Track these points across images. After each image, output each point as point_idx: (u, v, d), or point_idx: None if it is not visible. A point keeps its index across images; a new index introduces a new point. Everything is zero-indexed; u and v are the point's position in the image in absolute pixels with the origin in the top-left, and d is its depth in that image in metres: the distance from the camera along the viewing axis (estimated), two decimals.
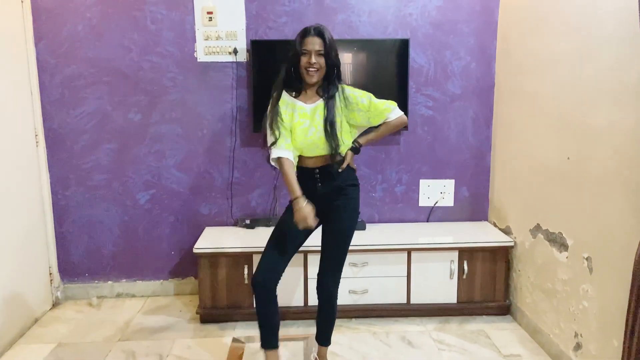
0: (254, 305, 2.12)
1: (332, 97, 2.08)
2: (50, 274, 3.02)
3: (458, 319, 2.84)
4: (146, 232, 3.11)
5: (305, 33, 2.03)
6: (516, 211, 2.83)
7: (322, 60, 2.03)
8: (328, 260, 2.17)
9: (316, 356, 2.29)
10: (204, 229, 3.07)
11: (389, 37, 2.99)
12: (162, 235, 3.12)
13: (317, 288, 2.19)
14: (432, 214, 3.20)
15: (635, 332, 1.67)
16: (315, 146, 2.07)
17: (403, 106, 2.97)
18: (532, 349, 2.52)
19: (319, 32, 2.01)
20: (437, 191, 3.17)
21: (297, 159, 2.10)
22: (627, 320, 1.71)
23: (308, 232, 2.14)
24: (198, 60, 2.95)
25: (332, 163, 2.09)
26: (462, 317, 2.85)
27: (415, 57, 3.02)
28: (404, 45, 2.93)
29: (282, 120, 2.06)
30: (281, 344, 2.23)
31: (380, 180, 3.15)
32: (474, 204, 3.20)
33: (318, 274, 2.19)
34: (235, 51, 2.93)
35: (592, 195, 2.09)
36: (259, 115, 2.91)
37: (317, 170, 2.11)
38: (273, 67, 2.87)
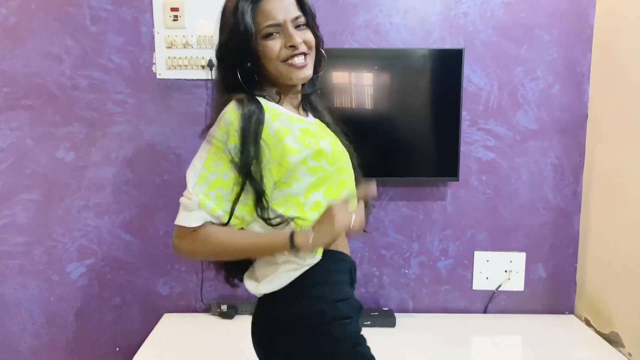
0: None
1: (328, 122, 1.25)
2: None
3: None
4: (80, 318, 2.18)
5: None
6: (630, 309, 1.83)
7: (307, 35, 1.12)
8: None
9: None
10: (161, 317, 2.14)
11: (433, 46, 2.07)
12: (102, 323, 2.19)
13: None
14: (493, 302, 2.21)
15: None
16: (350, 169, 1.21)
17: (453, 146, 2.05)
18: None
19: None
20: (500, 269, 2.19)
21: None
22: None
23: None
24: (158, 76, 2.07)
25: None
26: None
27: (471, 75, 2.09)
28: (455, 58, 2.01)
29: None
30: None
31: (416, 252, 2.19)
32: (554, 290, 2.20)
33: None
34: (210, 64, 2.04)
35: None
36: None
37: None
38: None
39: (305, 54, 1.10)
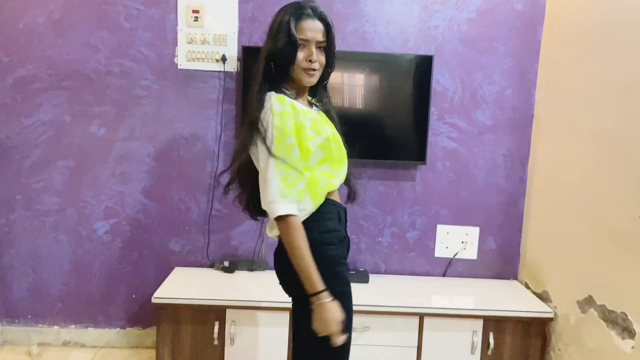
0: None
1: (329, 109, 1.60)
2: None
3: None
4: (103, 269, 2.57)
5: (300, 13, 1.41)
6: (558, 274, 2.27)
7: (322, 58, 1.47)
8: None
9: None
10: (173, 270, 2.53)
11: (409, 52, 2.49)
12: (122, 274, 2.58)
13: None
14: (451, 268, 2.64)
15: None
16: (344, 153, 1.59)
17: (422, 136, 2.46)
18: None
19: (321, 15, 1.44)
20: (457, 240, 2.62)
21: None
22: None
23: None
24: (179, 67, 2.47)
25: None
26: None
27: (440, 78, 2.51)
28: (426, 62, 2.43)
29: (309, 147, 1.43)
30: None
31: (389, 223, 2.61)
32: (501, 259, 2.64)
33: None
34: (223, 59, 2.44)
35: None
36: None
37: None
38: None
39: (314, 70, 1.46)
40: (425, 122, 2.47)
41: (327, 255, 1.43)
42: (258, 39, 2.45)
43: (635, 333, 1.72)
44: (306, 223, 1.42)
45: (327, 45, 1.47)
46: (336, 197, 1.57)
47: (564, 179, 2.24)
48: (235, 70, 2.46)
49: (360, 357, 2.23)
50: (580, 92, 2.13)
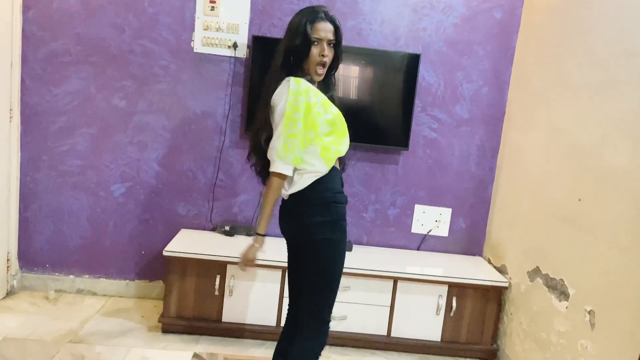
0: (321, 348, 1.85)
1: (332, 94, 1.90)
2: (7, 260, 2.79)
3: (439, 358, 2.62)
4: (117, 227, 2.88)
5: (315, 17, 1.72)
6: (514, 250, 2.63)
7: (332, 53, 1.78)
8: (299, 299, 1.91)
9: None
10: (179, 231, 2.86)
11: (400, 49, 2.81)
12: (133, 232, 2.89)
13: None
14: (424, 243, 2.99)
15: None
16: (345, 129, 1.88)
17: (406, 125, 2.80)
18: None
19: (332, 18, 1.75)
20: (432, 219, 2.97)
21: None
22: None
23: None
24: (194, 50, 2.77)
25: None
26: (444, 357, 2.63)
27: (425, 74, 2.84)
28: (414, 60, 2.76)
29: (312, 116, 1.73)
30: None
31: (373, 201, 2.95)
32: (469, 237, 3.00)
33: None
34: (235, 45, 2.75)
35: (603, 243, 1.89)
36: (253, 116, 2.72)
37: None
38: None
39: (325, 63, 1.77)
40: (410, 113, 2.79)
41: (338, 211, 1.76)
42: (266, 30, 2.76)
43: (569, 295, 2.08)
44: (320, 184, 1.74)
45: (336, 43, 1.78)
46: (337, 166, 1.89)
47: (525, 168, 2.59)
48: (245, 56, 2.77)
49: (341, 312, 2.58)
50: (541, 92, 2.48)
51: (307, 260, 1.79)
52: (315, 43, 1.73)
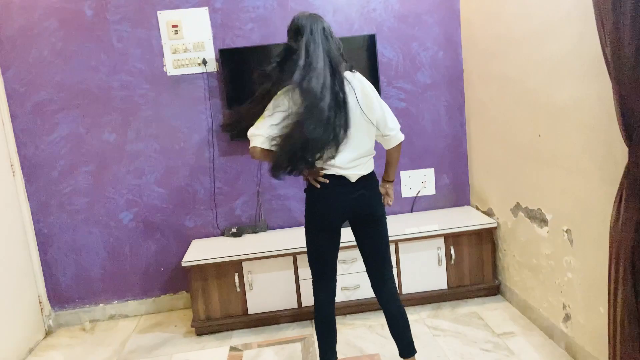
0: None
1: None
2: (40, 302, 2.99)
3: (450, 304, 2.88)
4: (133, 250, 3.09)
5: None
6: (496, 193, 2.88)
7: None
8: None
9: None
10: (191, 242, 3.07)
11: (356, 34, 3.02)
12: (149, 252, 3.10)
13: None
14: (416, 204, 3.24)
15: (618, 296, 1.72)
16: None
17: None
18: (525, 325, 2.57)
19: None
20: (418, 181, 3.21)
21: None
22: (609, 286, 1.76)
23: (338, 243, 2.11)
24: (168, 74, 2.95)
25: None
26: (454, 301, 2.89)
27: (384, 51, 3.05)
28: (371, 40, 2.97)
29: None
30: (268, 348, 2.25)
31: None
32: (455, 190, 3.25)
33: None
34: (204, 62, 2.94)
35: (565, 169, 2.14)
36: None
37: None
38: (244, 74, 2.90)
39: None
40: (378, 89, 3.01)
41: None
42: (230, 41, 2.95)
43: (547, 221, 2.34)
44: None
45: None
46: None
47: (490, 118, 2.83)
48: (216, 70, 2.96)
49: (354, 282, 2.82)
50: (489, 47, 2.71)
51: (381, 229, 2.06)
52: None
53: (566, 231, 2.19)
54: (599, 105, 1.86)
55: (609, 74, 1.63)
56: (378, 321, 2.76)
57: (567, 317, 2.26)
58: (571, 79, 2.03)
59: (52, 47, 2.86)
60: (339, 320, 2.77)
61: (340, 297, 2.79)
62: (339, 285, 2.74)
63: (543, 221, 2.38)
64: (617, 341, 1.75)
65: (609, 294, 1.77)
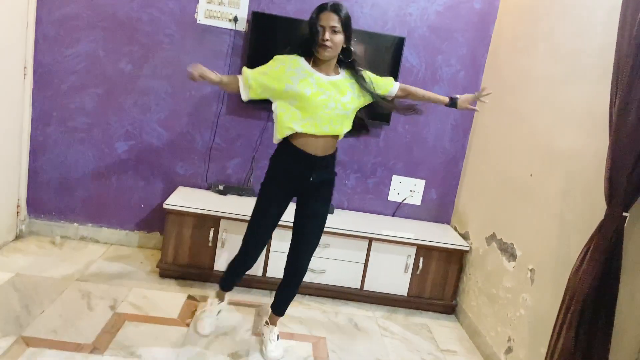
0: (234, 264, 2.35)
1: (359, 74, 2.16)
2: (17, 206, 3.04)
3: (405, 311, 2.97)
4: (119, 181, 3.14)
5: (321, 8, 2.02)
6: (477, 218, 2.97)
7: (336, 38, 2.00)
8: (307, 244, 2.25)
9: (267, 320, 2.39)
10: (177, 188, 3.12)
11: (387, 32, 3.07)
12: (134, 186, 3.16)
13: (291, 268, 2.28)
14: (399, 210, 3.32)
15: (559, 341, 1.81)
16: (330, 122, 2.08)
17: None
18: (468, 348, 2.67)
19: (335, 9, 2.00)
20: (407, 189, 3.29)
21: (289, 134, 2.08)
22: (553, 330, 1.85)
23: (282, 211, 2.22)
24: (197, 21, 2.99)
25: (333, 153, 2.19)
26: (410, 310, 2.99)
27: (409, 56, 3.11)
28: (399, 43, 3.01)
29: (272, 76, 2.06)
30: (233, 307, 2.34)
31: (355, 169, 3.24)
32: (439, 207, 3.33)
33: (292, 255, 2.27)
34: (235, 19, 2.97)
35: (545, 212, 2.22)
36: None
37: (316, 159, 2.11)
38: (270, 41, 2.94)
39: (330, 47, 1.99)
40: None
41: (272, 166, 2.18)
42: (265, 6, 2.99)
43: (516, 257, 2.42)
44: (276, 148, 2.16)
45: (343, 30, 2.02)
46: (305, 146, 2.10)
47: (491, 147, 2.90)
48: (244, 30, 3.00)
49: (321, 266, 2.91)
50: (509, 80, 2.77)
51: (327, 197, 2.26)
52: (321, 29, 1.99)
53: (530, 270, 2.28)
54: (593, 161, 1.93)
55: (609, 134, 1.71)
56: (333, 308, 2.85)
57: (509, 350, 2.36)
58: (575, 129, 2.11)
59: None
60: (297, 299, 2.85)
61: (305, 277, 2.87)
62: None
63: (512, 256, 2.46)
64: None
65: (551, 336, 1.86)
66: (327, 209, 2.27)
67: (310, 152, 2.10)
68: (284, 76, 2.06)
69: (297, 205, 2.26)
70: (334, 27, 2.00)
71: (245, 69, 2.14)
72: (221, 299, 2.49)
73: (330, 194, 2.27)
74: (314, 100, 2.04)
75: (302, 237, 2.25)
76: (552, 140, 2.26)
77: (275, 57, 2.12)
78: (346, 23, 2.03)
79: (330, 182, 2.25)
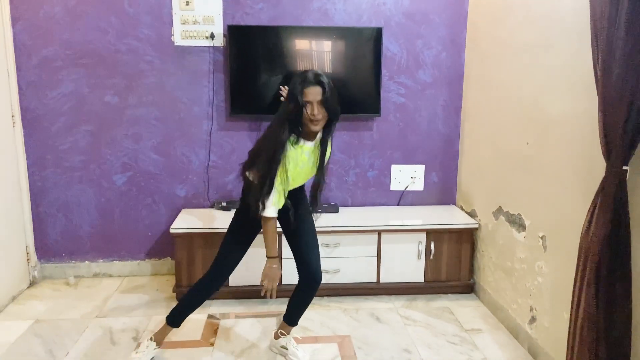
0: (204, 293, 2.36)
1: (330, 137, 2.14)
2: (27, 253, 3.05)
3: (425, 297, 2.98)
4: (123, 213, 3.15)
5: (304, 82, 1.97)
6: (481, 195, 2.97)
7: (324, 110, 1.98)
8: (311, 245, 2.24)
9: (283, 331, 2.35)
10: (180, 211, 3.13)
11: (364, 25, 3.07)
12: (138, 216, 3.17)
13: (309, 277, 2.23)
14: (403, 198, 3.32)
15: (580, 303, 1.81)
16: (304, 178, 2.18)
17: (376, 93, 3.08)
18: (493, 324, 2.67)
19: (319, 81, 1.97)
20: (407, 176, 3.29)
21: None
22: (573, 293, 1.85)
23: (256, 233, 2.27)
24: (175, 44, 3.00)
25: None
26: (429, 295, 2.99)
27: (389, 45, 3.11)
28: (377, 34, 3.02)
29: (287, 178, 2.04)
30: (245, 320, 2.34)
31: (353, 165, 3.25)
32: (442, 189, 3.33)
33: (302, 263, 2.24)
34: (212, 36, 2.98)
35: (547, 178, 2.23)
36: (235, 100, 2.99)
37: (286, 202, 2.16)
38: (249, 52, 2.95)
39: (320, 119, 1.97)
40: (379, 82, 3.07)
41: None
42: (240, 18, 3.00)
43: (526, 226, 2.43)
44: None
45: (327, 99, 1.97)
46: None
47: (483, 122, 2.90)
48: (222, 45, 3.01)
49: (334, 266, 2.91)
50: (491, 53, 2.78)
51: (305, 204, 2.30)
52: (308, 105, 1.96)
53: (541, 237, 2.28)
54: (586, 120, 1.93)
55: (597, 91, 1.71)
56: (353, 305, 2.86)
57: (532, 319, 2.36)
58: (563, 92, 2.11)
59: (64, 5, 2.89)
60: (316, 301, 2.86)
61: None
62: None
63: (521, 226, 2.46)
64: (575, 345, 1.84)
65: (572, 300, 1.86)
66: (310, 212, 2.29)
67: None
68: (295, 171, 2.08)
69: (281, 224, 2.29)
70: (320, 100, 1.97)
71: (275, 200, 2.05)
72: (159, 343, 2.29)
73: (306, 199, 2.31)
74: (304, 174, 2.15)
75: (302, 239, 2.26)
76: (543, 106, 2.26)
77: (289, 154, 2.02)
78: (331, 93, 1.99)
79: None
